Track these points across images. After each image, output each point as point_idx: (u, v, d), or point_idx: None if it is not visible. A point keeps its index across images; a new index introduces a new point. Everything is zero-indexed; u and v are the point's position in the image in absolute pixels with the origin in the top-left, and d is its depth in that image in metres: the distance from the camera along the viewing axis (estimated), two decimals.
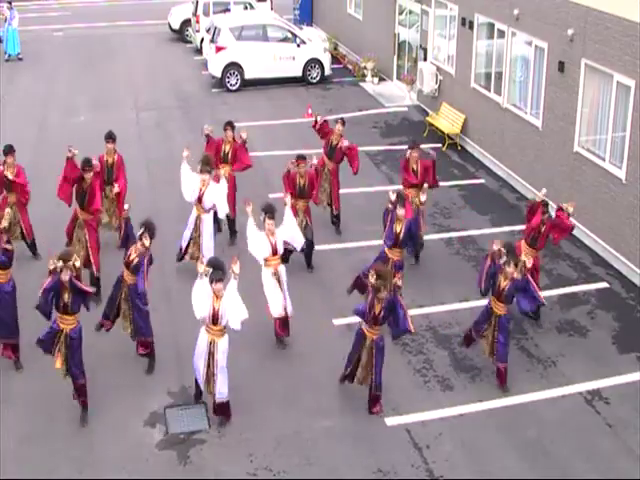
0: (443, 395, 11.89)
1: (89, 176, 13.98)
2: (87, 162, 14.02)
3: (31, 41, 31.13)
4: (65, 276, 10.68)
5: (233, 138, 15.90)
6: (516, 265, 11.58)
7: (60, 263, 10.71)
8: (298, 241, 13.27)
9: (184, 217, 15.30)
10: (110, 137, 15.43)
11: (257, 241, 12.57)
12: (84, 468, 10.41)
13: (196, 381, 11.33)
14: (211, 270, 10.84)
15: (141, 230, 11.83)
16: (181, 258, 14.79)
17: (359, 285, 13.04)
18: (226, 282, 10.84)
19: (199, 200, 14.43)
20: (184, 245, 14.69)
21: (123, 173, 15.46)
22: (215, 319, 10.81)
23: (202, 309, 10.87)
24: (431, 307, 13.98)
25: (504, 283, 11.59)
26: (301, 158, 14.91)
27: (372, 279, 10.88)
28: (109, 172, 15.35)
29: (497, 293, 11.71)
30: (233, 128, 15.87)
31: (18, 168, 14.81)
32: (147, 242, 11.81)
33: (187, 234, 14.67)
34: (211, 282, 10.76)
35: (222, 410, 11.16)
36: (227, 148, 15.87)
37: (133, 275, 11.90)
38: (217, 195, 14.45)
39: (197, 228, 14.58)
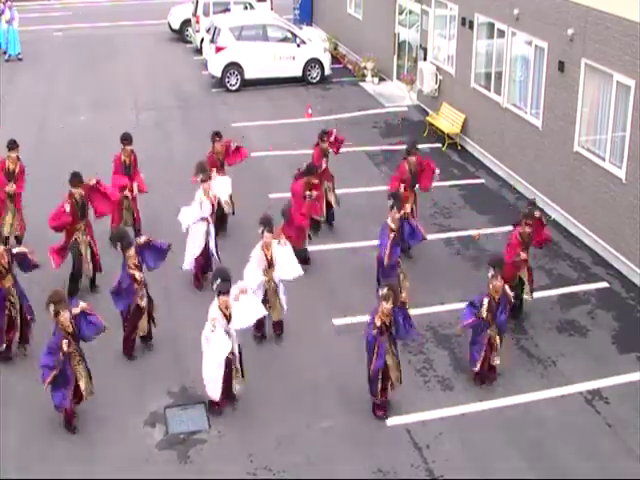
0: (443, 395, 11.89)
1: (77, 192, 13.79)
2: (74, 176, 13.87)
3: (31, 41, 31.12)
4: (63, 316, 10.60)
5: (221, 147, 16.07)
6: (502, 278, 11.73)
7: (52, 307, 10.56)
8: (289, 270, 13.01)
9: None
10: (126, 139, 15.64)
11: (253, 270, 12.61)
12: (84, 468, 10.41)
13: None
14: (219, 281, 10.93)
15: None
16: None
17: None
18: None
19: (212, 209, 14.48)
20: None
21: (138, 172, 15.83)
22: (229, 321, 11.06)
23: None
24: (431, 307, 13.98)
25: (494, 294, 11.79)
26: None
27: (382, 290, 10.92)
28: (127, 171, 15.60)
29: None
30: (220, 138, 16.05)
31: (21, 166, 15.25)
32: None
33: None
34: (218, 294, 10.93)
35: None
36: (221, 156, 16.10)
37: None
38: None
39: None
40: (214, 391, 11.18)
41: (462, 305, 13.70)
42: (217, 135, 16.03)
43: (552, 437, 11.04)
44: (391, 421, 11.32)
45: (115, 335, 12.64)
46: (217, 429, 11.12)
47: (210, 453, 10.72)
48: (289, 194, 15.02)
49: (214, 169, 15.57)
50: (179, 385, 11.96)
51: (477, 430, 11.18)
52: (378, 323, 10.94)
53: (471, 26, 20.57)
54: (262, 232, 12.48)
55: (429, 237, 15.84)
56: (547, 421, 11.35)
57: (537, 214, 13.30)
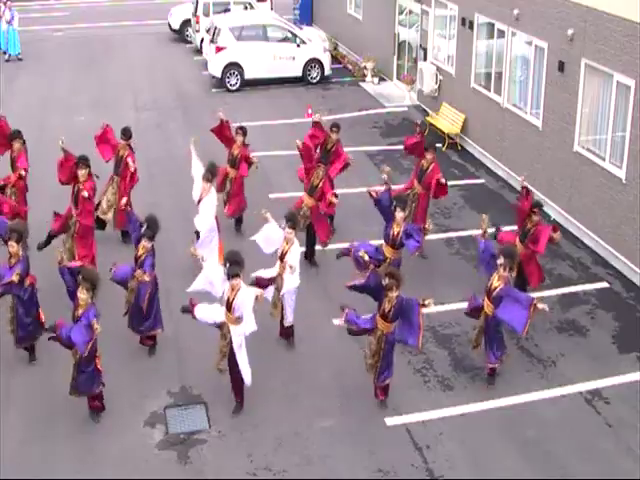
0: (443, 395, 11.89)
1: (83, 173, 13.87)
2: (82, 158, 13.99)
3: (31, 41, 31.12)
4: (81, 294, 10.66)
5: (243, 143, 15.96)
6: (511, 269, 11.62)
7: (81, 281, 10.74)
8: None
9: (184, 217, 15.32)
10: (123, 133, 15.69)
11: (273, 234, 12.66)
12: (84, 468, 10.41)
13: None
14: (228, 264, 10.99)
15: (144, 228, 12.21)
16: None
17: (347, 254, 13.32)
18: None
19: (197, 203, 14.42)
20: None
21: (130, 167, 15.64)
22: (229, 308, 11.00)
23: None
24: (431, 307, 13.95)
25: (496, 283, 11.64)
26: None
27: (385, 280, 11.01)
28: (118, 164, 15.59)
29: (488, 292, 11.76)
30: (245, 134, 15.96)
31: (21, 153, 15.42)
32: (147, 244, 12.12)
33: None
34: (228, 277, 10.93)
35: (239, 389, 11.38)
36: (235, 152, 15.94)
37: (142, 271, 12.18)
38: (207, 206, 14.38)
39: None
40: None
41: (462, 305, 13.75)
42: (241, 129, 16.01)
43: (552, 437, 11.04)
44: (391, 421, 11.32)
45: (114, 335, 12.64)
46: (217, 429, 11.12)
47: (210, 453, 10.72)
48: (289, 194, 15.02)
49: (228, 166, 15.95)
50: (179, 385, 11.96)
51: (477, 430, 11.18)
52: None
53: (471, 26, 20.57)
54: (284, 227, 12.49)
55: (429, 237, 15.86)
56: (547, 421, 11.35)
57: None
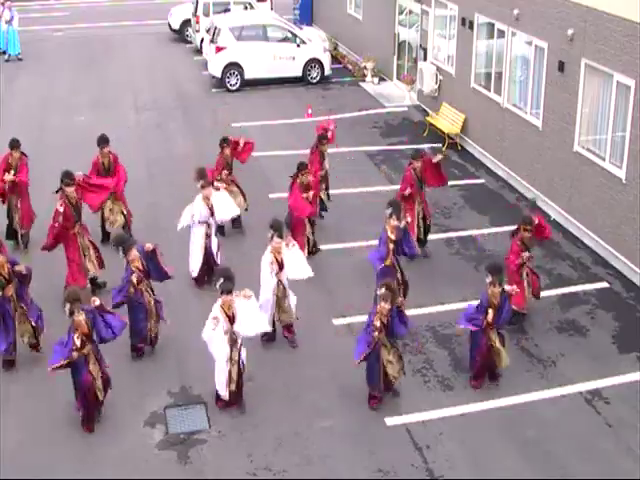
0: (443, 395, 11.89)
1: (71, 190, 13.67)
2: (67, 175, 13.68)
3: (31, 41, 31.13)
4: (79, 316, 10.60)
5: (230, 151, 16.11)
6: (500, 284, 11.57)
7: (68, 306, 10.57)
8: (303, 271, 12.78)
9: None
10: (102, 141, 15.55)
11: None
12: (84, 468, 10.41)
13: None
14: (222, 280, 10.98)
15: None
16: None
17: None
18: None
19: (211, 214, 14.24)
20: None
21: (120, 168, 15.64)
22: (232, 322, 11.02)
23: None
24: (431, 307, 13.97)
25: (495, 301, 11.61)
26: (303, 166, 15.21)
27: (380, 290, 11.03)
28: (107, 173, 15.50)
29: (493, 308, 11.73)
30: (229, 145, 16.11)
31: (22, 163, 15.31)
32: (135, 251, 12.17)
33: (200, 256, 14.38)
34: (221, 293, 10.93)
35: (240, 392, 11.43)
36: (230, 159, 16.13)
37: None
38: (224, 201, 14.39)
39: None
40: (220, 386, 11.29)
41: (462, 305, 13.74)
42: (225, 141, 16.08)
43: (552, 437, 11.04)
44: (391, 421, 11.32)
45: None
46: (217, 429, 11.12)
47: (210, 453, 10.72)
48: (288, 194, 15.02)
49: (225, 171, 15.93)
50: (179, 385, 11.96)
51: (477, 430, 11.17)
52: (377, 324, 11.01)
53: (471, 26, 20.56)
54: (272, 237, 12.30)
55: (430, 237, 15.88)
56: (547, 421, 11.35)
57: (535, 220, 13.19)
